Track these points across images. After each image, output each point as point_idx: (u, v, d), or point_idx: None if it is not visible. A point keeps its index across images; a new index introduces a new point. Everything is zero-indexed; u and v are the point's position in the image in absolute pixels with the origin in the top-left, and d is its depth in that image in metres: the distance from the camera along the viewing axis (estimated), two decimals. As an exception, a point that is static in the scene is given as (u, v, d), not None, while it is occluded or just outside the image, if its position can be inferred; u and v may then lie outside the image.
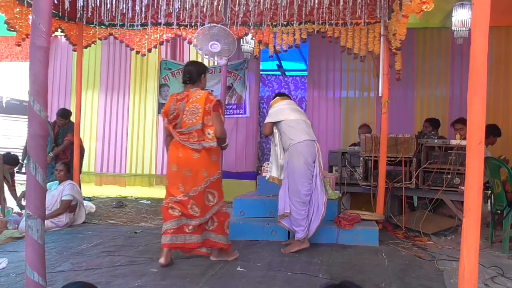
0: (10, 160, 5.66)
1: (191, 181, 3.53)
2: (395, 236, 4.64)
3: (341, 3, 4.92)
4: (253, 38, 5.60)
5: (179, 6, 5.20)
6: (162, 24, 5.63)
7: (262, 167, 5.44)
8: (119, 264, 3.55)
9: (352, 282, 1.42)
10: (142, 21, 5.63)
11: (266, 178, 4.48)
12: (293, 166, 4.03)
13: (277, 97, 4.45)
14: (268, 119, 4.28)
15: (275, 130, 4.25)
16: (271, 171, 4.38)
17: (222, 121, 3.64)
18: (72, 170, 5.84)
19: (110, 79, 8.08)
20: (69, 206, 5.10)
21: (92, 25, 5.80)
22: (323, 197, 4.07)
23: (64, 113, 6.38)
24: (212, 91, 6.47)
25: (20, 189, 5.76)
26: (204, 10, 5.20)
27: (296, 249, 3.96)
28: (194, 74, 3.66)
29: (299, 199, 4.01)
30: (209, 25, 5.08)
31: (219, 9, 5.01)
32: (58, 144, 6.26)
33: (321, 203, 4.06)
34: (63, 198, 5.02)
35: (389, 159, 4.95)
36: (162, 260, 3.43)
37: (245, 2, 5.01)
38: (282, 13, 5.28)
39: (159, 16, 5.53)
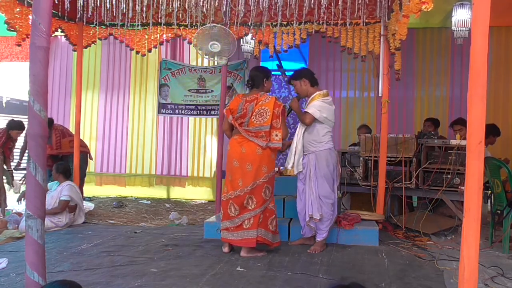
0: (16, 125, 5.84)
1: (252, 175, 3.81)
2: (395, 236, 4.64)
3: (341, 3, 4.92)
4: (253, 38, 5.60)
5: (179, 6, 5.19)
6: (162, 24, 5.63)
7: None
8: (119, 264, 3.55)
9: (360, 284, 1.41)
10: (143, 21, 5.63)
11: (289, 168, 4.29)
12: (327, 170, 4.09)
13: (325, 90, 4.27)
14: (317, 113, 4.02)
15: (302, 126, 4.13)
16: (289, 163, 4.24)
17: (286, 124, 3.98)
18: (72, 172, 5.83)
19: (110, 79, 8.09)
20: (68, 207, 5.11)
21: (92, 25, 5.79)
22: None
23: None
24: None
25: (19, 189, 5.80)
26: (204, 10, 5.20)
27: (322, 249, 4.05)
28: (258, 79, 3.98)
29: (332, 201, 4.12)
30: (209, 25, 5.08)
31: (219, 9, 5.01)
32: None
33: (335, 207, 4.25)
34: (61, 199, 5.03)
35: (389, 159, 4.95)
36: (225, 249, 3.91)
37: (245, 2, 5.01)
38: (282, 13, 5.28)
39: (159, 16, 5.53)
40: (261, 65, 7.57)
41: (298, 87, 4.23)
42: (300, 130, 4.16)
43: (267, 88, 4.02)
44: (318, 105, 4.08)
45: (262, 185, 3.83)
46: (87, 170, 6.77)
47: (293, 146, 4.18)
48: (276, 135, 3.86)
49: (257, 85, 3.98)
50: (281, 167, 5.84)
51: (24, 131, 6.13)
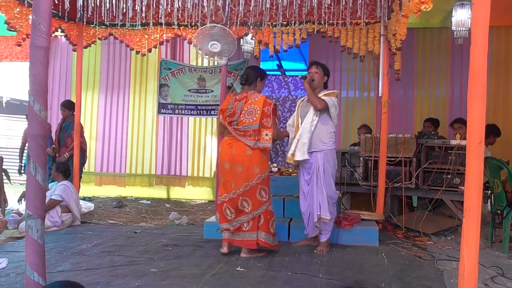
0: None
1: (244, 176, 3.76)
2: (395, 236, 4.64)
3: (341, 3, 4.92)
4: (253, 38, 5.60)
5: (179, 6, 5.19)
6: (162, 24, 5.63)
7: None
8: (119, 264, 3.55)
9: None
10: (143, 21, 5.63)
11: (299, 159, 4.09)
12: (333, 170, 4.12)
13: (337, 91, 4.32)
14: (332, 108, 4.01)
15: (314, 117, 4.03)
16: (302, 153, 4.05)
17: (277, 124, 3.97)
18: (72, 171, 5.83)
19: (110, 79, 8.09)
20: (62, 206, 5.08)
21: (92, 25, 5.79)
22: None
23: (68, 104, 6.39)
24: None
25: (20, 189, 5.78)
26: (205, 10, 5.20)
27: (328, 249, 4.06)
28: (252, 77, 3.94)
29: (334, 201, 4.15)
30: (209, 25, 5.08)
31: (219, 9, 5.01)
32: (60, 140, 6.27)
33: (336, 207, 4.27)
34: (52, 197, 5.01)
35: (389, 159, 4.95)
36: (224, 249, 3.85)
37: (245, 2, 5.01)
38: (282, 13, 5.28)
39: (159, 16, 5.53)
40: (261, 65, 7.63)
41: (318, 76, 4.15)
42: (309, 121, 4.04)
43: (259, 88, 3.98)
44: (335, 101, 4.09)
45: (256, 187, 3.76)
46: (86, 170, 6.77)
47: (297, 134, 4.07)
48: (267, 135, 3.79)
49: (250, 82, 3.94)
50: (281, 167, 5.84)
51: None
